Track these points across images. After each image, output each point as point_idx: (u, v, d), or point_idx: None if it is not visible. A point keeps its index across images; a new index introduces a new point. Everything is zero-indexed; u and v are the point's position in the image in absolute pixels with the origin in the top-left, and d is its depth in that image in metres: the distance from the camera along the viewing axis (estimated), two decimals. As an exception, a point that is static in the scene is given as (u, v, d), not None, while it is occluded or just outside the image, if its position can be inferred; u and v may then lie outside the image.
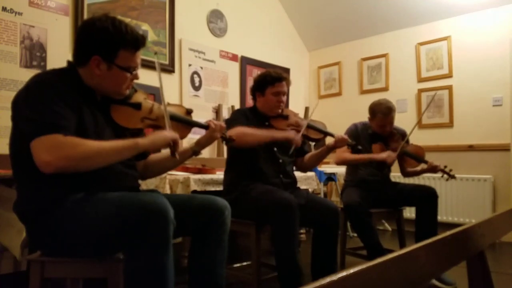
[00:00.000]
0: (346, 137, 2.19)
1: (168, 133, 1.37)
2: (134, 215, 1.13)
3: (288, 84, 2.23)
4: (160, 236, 1.13)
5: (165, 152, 1.55)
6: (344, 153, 2.61)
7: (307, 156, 2.35)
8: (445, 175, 2.64)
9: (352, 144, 2.20)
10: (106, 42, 1.28)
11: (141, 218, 1.12)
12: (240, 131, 1.99)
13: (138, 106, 1.43)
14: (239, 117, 2.16)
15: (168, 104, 1.51)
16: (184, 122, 1.54)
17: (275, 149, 2.18)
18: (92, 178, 1.27)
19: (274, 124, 2.18)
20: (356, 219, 2.44)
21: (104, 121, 1.35)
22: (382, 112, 2.61)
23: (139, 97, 1.47)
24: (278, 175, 2.18)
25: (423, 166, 2.68)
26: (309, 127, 2.20)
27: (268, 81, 2.18)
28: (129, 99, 1.44)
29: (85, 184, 1.26)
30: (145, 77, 2.15)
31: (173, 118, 1.49)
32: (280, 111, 2.22)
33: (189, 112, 1.59)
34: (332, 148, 2.21)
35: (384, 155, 2.54)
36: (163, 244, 1.14)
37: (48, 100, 1.17)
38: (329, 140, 2.28)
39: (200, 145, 1.61)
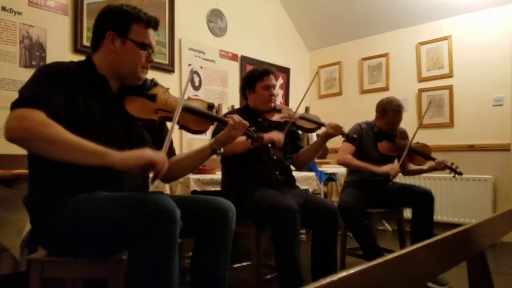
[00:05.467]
0: (340, 125, 2.14)
1: (150, 153, 1.14)
2: (141, 214, 1.11)
3: (276, 77, 2.24)
4: (167, 236, 1.11)
5: (185, 152, 1.52)
6: (347, 154, 2.59)
7: (302, 151, 2.34)
8: (452, 172, 2.61)
9: (346, 133, 2.16)
10: (119, 16, 1.36)
11: (148, 218, 1.10)
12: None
13: (153, 97, 1.39)
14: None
15: (189, 98, 1.45)
16: (202, 116, 1.45)
17: (269, 145, 2.12)
18: (98, 177, 1.26)
19: (267, 117, 2.18)
20: (350, 219, 2.43)
21: (114, 111, 1.34)
22: (393, 110, 2.58)
23: (157, 90, 1.43)
24: (273, 172, 2.16)
25: (430, 163, 2.67)
26: (302, 118, 2.21)
27: (257, 76, 2.21)
28: (147, 91, 1.41)
29: (91, 183, 1.25)
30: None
31: (190, 110, 1.42)
32: (272, 105, 2.22)
33: (210, 106, 1.50)
34: (326, 137, 2.16)
35: (387, 167, 2.49)
36: (170, 245, 1.12)
37: (40, 80, 1.20)
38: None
39: (219, 142, 1.52)
